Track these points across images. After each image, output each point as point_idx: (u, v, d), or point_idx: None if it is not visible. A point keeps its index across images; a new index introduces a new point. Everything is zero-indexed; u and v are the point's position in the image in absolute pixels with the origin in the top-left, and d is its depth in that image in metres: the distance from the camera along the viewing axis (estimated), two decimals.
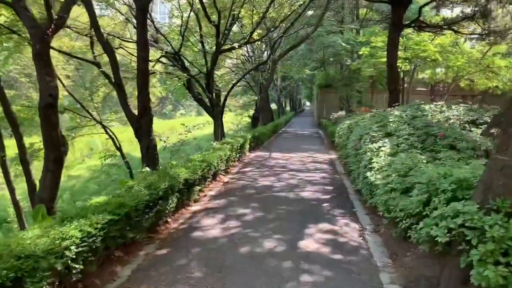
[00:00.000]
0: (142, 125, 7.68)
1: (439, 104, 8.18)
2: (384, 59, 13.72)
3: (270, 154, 12.53)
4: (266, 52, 24.33)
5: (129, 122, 8.37)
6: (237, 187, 7.58)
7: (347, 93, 19.95)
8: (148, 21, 11.77)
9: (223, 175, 8.60)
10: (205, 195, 6.94)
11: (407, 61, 13.84)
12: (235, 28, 17.40)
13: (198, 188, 6.70)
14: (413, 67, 15.76)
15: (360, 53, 14.05)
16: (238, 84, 34.78)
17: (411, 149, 5.34)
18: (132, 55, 13.54)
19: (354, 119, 10.43)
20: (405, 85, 16.82)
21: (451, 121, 6.86)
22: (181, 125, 10.27)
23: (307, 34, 17.76)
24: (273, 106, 42.69)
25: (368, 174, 5.44)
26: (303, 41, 18.32)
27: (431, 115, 7.18)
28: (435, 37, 14.28)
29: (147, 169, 6.37)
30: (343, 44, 17.47)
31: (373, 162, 5.49)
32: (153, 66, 16.10)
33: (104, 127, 14.33)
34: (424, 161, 4.73)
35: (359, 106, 19.15)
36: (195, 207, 6.16)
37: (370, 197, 5.52)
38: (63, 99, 17.91)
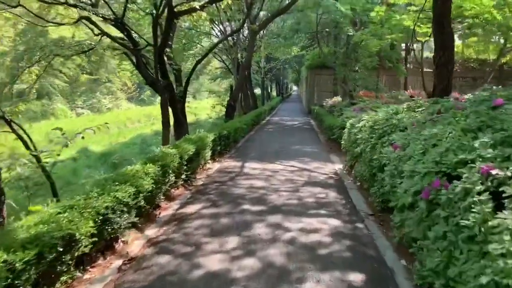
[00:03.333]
0: None
1: None
2: (406, 23, 9.54)
3: (243, 165, 8.28)
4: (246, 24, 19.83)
5: None
6: None
7: (345, 74, 15.67)
8: None
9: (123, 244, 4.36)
10: None
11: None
12: None
13: None
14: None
15: (373, 14, 9.78)
16: (218, 66, 30.27)
17: None
18: None
19: (380, 112, 6.27)
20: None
21: None
22: (55, 130, 5.83)
23: None
24: (258, 91, 38.31)
25: None
26: (293, 3, 13.96)
27: None
28: None
29: None
30: (343, 10, 13.15)
31: None
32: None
33: (7, 122, 9.70)
34: None
35: (363, 90, 15.05)
36: None
37: None
38: None
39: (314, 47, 29.51)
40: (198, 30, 21.70)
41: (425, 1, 8.04)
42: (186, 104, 15.27)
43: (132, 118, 39.39)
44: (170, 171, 5.50)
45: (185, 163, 6.36)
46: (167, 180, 5.41)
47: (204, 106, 34.21)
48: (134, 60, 11.75)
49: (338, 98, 19.29)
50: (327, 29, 16.83)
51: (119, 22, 11.45)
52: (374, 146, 5.38)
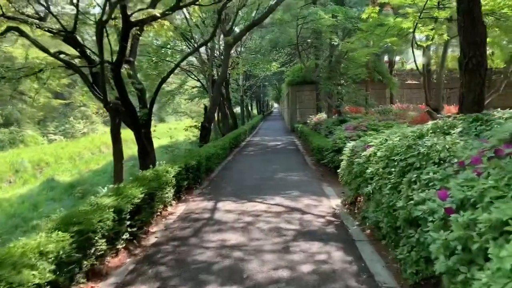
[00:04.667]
0: None
1: None
2: (404, 25, 8.14)
3: (215, 207, 6.46)
4: (220, 39, 18.34)
5: None
6: None
7: (331, 88, 14.22)
8: None
9: None
10: None
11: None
12: None
13: None
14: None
15: (364, 16, 8.34)
16: (194, 85, 28.57)
17: None
18: None
19: (393, 134, 4.64)
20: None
21: None
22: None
23: (276, 2, 12.04)
24: (238, 110, 36.76)
25: None
26: (269, 13, 12.53)
27: None
28: None
29: None
30: (325, 16, 11.78)
31: None
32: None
33: None
34: None
35: (352, 105, 13.61)
36: None
37: None
38: None
39: (294, 63, 28.36)
40: (170, 47, 20.11)
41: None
42: (168, 125, 13.39)
43: (107, 142, 37.07)
44: (97, 237, 3.66)
45: (128, 216, 4.53)
46: (90, 252, 3.57)
47: (183, 127, 32.30)
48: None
49: (322, 115, 17.85)
50: (308, 40, 15.46)
51: (69, 37, 9.73)
52: (396, 187, 3.71)
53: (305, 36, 15.21)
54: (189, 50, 18.12)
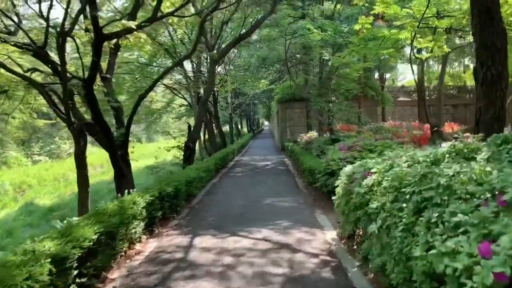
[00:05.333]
0: None
1: None
2: (402, 36, 7.54)
3: (191, 243, 5.52)
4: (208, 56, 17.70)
5: None
6: None
7: (321, 106, 13.54)
8: None
9: None
10: None
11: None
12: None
13: None
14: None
15: (357, 27, 7.71)
16: (180, 103, 27.80)
17: None
18: None
19: (398, 158, 3.87)
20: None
21: None
22: None
23: (262, 17, 11.46)
24: (228, 128, 36.07)
25: None
26: (255, 28, 11.92)
27: None
28: None
29: None
30: (315, 30, 11.22)
31: None
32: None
33: None
34: None
35: (344, 123, 12.92)
36: None
37: None
38: None
39: (284, 80, 27.88)
40: (156, 65, 19.45)
41: (428, 5, 6.02)
42: (158, 144, 12.39)
43: (94, 163, 35.91)
44: None
45: (76, 264, 3.63)
46: None
47: (172, 146, 31.25)
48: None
49: (313, 133, 17.16)
50: (298, 55, 14.86)
51: (39, 53, 8.92)
52: (410, 228, 2.91)
53: (294, 52, 14.65)
54: (177, 68, 17.43)
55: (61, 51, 6.64)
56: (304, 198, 8.65)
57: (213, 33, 14.61)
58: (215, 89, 22.73)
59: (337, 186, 5.41)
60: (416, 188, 3.05)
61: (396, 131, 18.19)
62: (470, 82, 23.34)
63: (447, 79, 28.24)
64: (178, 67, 16.36)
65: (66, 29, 6.50)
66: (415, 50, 7.82)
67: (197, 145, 18.79)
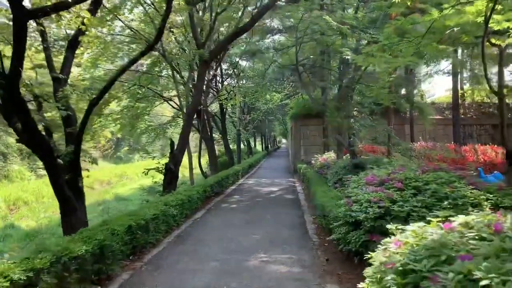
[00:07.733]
0: None
1: None
2: (470, 12, 4.75)
3: None
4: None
5: None
6: None
7: (340, 122, 10.66)
8: None
9: None
10: None
11: None
12: None
13: None
14: None
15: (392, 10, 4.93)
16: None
17: None
18: None
19: None
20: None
21: None
22: None
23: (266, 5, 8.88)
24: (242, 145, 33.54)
25: None
26: (256, 20, 9.30)
27: None
28: None
29: None
30: (333, 22, 8.54)
31: None
32: None
33: None
34: None
35: (370, 142, 10.01)
36: None
37: None
38: None
39: (300, 94, 25.20)
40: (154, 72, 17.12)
41: None
42: (153, 162, 9.81)
43: (101, 178, 33.90)
44: None
45: None
46: None
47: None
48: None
49: (331, 154, 14.27)
50: (311, 56, 12.05)
51: None
52: None
53: (308, 55, 11.99)
54: (176, 75, 14.98)
55: None
56: (312, 254, 5.75)
57: (204, 29, 12.10)
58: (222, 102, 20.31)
59: (373, 251, 2.60)
60: None
61: (430, 153, 15.12)
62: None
63: (483, 95, 24.75)
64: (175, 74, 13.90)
65: None
66: (488, 35, 5.02)
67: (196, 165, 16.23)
